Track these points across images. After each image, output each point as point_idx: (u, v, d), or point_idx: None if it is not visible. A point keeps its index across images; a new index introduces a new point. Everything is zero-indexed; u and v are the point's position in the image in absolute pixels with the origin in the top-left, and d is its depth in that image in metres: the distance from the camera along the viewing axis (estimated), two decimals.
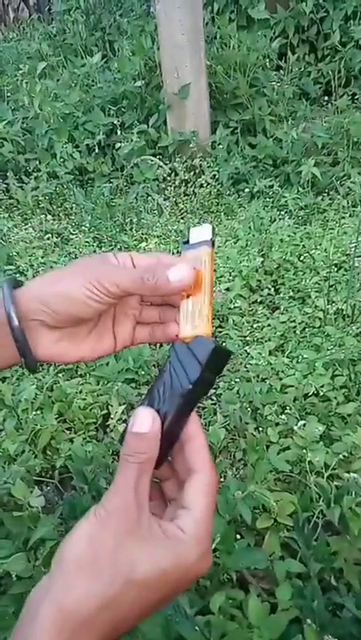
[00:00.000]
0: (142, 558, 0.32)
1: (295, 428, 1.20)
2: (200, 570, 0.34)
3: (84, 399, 1.44)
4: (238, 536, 1.05)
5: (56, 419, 1.36)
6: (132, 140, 2.82)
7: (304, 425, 1.20)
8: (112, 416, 1.34)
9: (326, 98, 3.28)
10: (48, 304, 0.39)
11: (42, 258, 2.28)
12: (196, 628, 0.83)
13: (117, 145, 2.89)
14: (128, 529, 0.33)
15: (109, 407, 1.38)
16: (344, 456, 1.17)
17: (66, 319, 0.40)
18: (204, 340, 0.37)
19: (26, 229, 2.53)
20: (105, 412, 1.42)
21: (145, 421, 0.36)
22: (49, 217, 2.65)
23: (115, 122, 2.97)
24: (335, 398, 1.37)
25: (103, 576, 0.31)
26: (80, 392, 1.47)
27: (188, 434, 0.38)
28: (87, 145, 3.00)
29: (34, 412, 1.36)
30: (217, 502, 0.38)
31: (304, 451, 1.15)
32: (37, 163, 3.00)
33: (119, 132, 2.95)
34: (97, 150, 3.00)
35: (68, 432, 1.38)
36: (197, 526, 0.34)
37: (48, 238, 2.45)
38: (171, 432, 0.37)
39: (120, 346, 0.44)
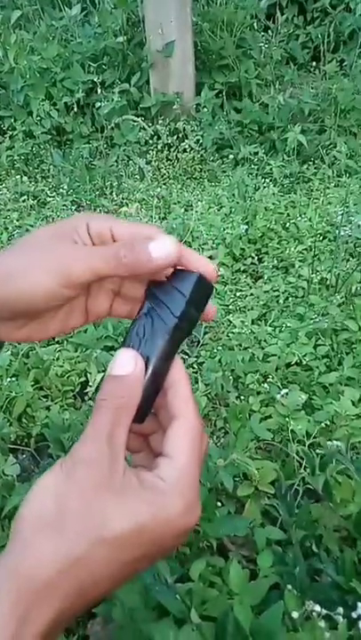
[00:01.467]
0: (115, 513, 0.27)
1: (278, 396, 1.18)
2: (187, 523, 0.29)
3: (62, 366, 1.39)
4: (219, 504, 1.04)
5: (32, 386, 1.32)
6: (112, 100, 2.70)
7: (286, 394, 1.19)
8: (90, 384, 1.30)
9: (314, 63, 3.18)
10: (2, 306, 0.33)
11: (17, 221, 2.18)
12: (177, 596, 0.81)
13: (97, 104, 2.76)
14: (98, 481, 0.27)
15: (88, 375, 1.34)
16: (326, 425, 1.16)
17: (26, 314, 0.34)
18: (186, 272, 0.33)
19: (0, 191, 2.41)
20: (83, 379, 1.38)
21: (126, 363, 0.31)
22: (24, 178, 2.53)
23: (95, 79, 2.83)
24: (317, 367, 1.36)
25: (67, 534, 0.26)
26: (57, 359, 1.42)
27: (170, 379, 0.33)
28: (65, 103, 2.85)
29: (8, 379, 1.30)
30: (205, 448, 0.33)
31: (286, 419, 1.14)
32: (12, 121, 2.84)
33: (99, 91, 2.81)
34: (76, 109, 2.86)
35: (44, 400, 1.33)
36: (180, 474, 0.29)
37: (24, 201, 2.34)
38: (154, 378, 0.32)
39: (93, 319, 0.38)
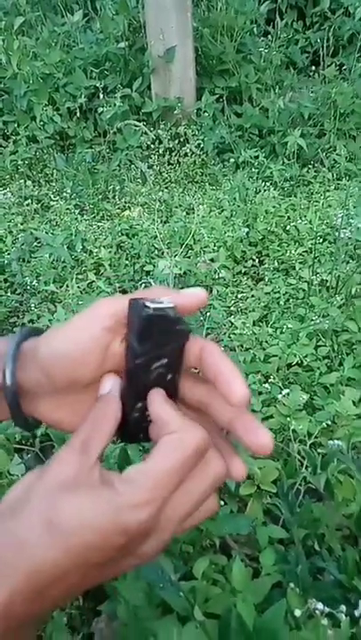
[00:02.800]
0: (67, 506, 0.28)
1: (279, 396, 1.19)
2: (127, 521, 0.28)
3: None
4: (222, 502, 1.05)
5: None
6: (114, 105, 2.72)
7: (288, 394, 1.20)
8: None
9: (313, 67, 3.21)
10: (44, 368, 0.33)
11: (21, 224, 2.20)
12: (181, 593, 0.82)
13: (100, 109, 2.78)
14: (62, 478, 0.29)
15: None
16: (327, 424, 1.17)
17: (70, 379, 0.34)
18: (139, 303, 0.32)
19: (4, 195, 2.44)
20: None
21: (104, 385, 0.35)
22: (28, 182, 2.55)
23: (97, 85, 2.86)
24: (318, 368, 1.37)
25: (22, 519, 0.28)
26: None
27: (150, 403, 0.35)
28: (68, 108, 2.88)
29: None
30: (190, 461, 0.31)
31: (288, 419, 1.15)
32: (16, 125, 2.87)
33: (101, 96, 2.84)
34: (78, 114, 2.89)
35: None
36: (139, 476, 0.29)
37: (27, 204, 2.36)
38: (139, 403, 0.35)
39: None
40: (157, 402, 0.34)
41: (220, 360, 0.35)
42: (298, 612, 0.81)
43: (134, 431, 0.35)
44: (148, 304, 0.32)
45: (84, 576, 0.29)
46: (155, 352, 0.33)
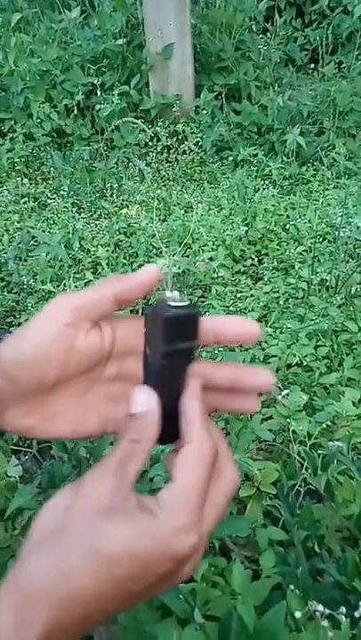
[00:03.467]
0: (107, 533, 0.28)
1: (279, 397, 1.19)
2: (177, 548, 0.28)
3: None
4: None
5: None
6: (112, 102, 2.70)
7: (287, 394, 1.19)
8: None
9: (312, 65, 3.20)
10: (8, 376, 0.32)
11: (18, 223, 2.19)
12: (180, 596, 0.82)
13: (97, 106, 2.76)
14: (99, 505, 0.29)
15: None
16: (327, 425, 1.17)
17: (35, 383, 0.33)
18: (162, 306, 0.32)
19: (1, 193, 2.42)
20: None
21: (140, 402, 0.32)
22: (25, 180, 2.53)
23: (94, 82, 2.84)
24: (318, 368, 1.36)
25: (61, 549, 0.28)
26: None
27: (182, 405, 0.33)
28: (65, 105, 2.86)
29: None
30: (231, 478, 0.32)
31: (287, 420, 1.15)
32: (13, 123, 2.85)
33: (99, 93, 2.82)
34: (76, 111, 2.87)
35: None
36: (175, 498, 0.29)
37: (24, 203, 2.35)
38: (167, 407, 0.33)
39: (112, 428, 0.36)
40: (190, 395, 0.33)
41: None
42: (298, 614, 0.80)
43: (166, 438, 0.34)
44: (169, 303, 0.32)
45: (121, 602, 0.28)
46: (179, 350, 0.33)
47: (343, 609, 0.80)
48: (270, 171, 2.42)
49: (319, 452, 1.09)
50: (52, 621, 0.27)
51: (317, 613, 0.79)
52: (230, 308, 1.69)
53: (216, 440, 0.32)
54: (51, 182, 2.60)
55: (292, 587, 0.85)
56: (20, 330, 0.34)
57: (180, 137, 2.75)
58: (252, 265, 1.89)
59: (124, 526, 0.28)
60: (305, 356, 1.37)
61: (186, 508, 0.29)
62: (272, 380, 0.34)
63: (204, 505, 0.30)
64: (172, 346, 0.32)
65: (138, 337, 0.34)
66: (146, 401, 0.32)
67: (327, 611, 0.79)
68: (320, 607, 0.80)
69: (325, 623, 0.78)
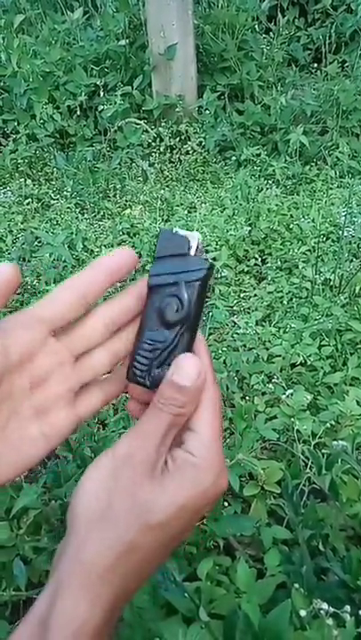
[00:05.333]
0: (157, 500, 0.30)
1: (283, 396, 1.19)
2: (217, 491, 0.32)
3: None
4: (226, 503, 1.05)
5: None
6: (115, 103, 2.71)
7: (291, 394, 1.19)
8: None
9: (316, 64, 3.19)
10: None
11: (21, 224, 2.19)
12: (185, 594, 0.82)
13: (100, 107, 2.77)
14: (141, 476, 0.31)
15: None
16: (331, 424, 1.17)
17: None
18: (194, 258, 0.33)
19: (4, 194, 2.43)
20: None
21: (189, 374, 0.32)
22: (28, 181, 2.54)
23: (97, 82, 2.84)
24: (322, 368, 1.36)
25: (118, 525, 0.30)
26: None
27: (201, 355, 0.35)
28: (68, 106, 2.87)
29: None
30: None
31: (291, 419, 1.15)
32: (16, 124, 2.86)
33: (102, 94, 2.83)
34: (79, 112, 2.88)
35: None
36: (207, 447, 0.32)
37: (28, 203, 2.35)
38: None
39: (56, 441, 0.34)
40: (204, 352, 0.34)
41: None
42: (303, 613, 0.80)
43: (141, 373, 0.34)
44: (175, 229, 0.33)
45: (171, 550, 0.32)
46: (170, 275, 0.33)
47: (348, 607, 0.80)
48: (273, 170, 2.41)
49: (323, 451, 1.09)
50: (119, 591, 0.29)
51: (322, 612, 0.80)
52: (234, 308, 1.69)
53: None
54: (54, 183, 2.61)
55: (296, 585, 0.85)
56: None
57: (182, 137, 2.75)
58: (255, 265, 1.89)
59: (169, 491, 0.30)
60: (309, 356, 1.37)
61: (217, 455, 0.32)
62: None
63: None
64: (161, 265, 0.33)
65: (27, 334, 0.32)
66: (193, 373, 0.32)
67: (332, 609, 0.80)
68: (325, 605, 0.80)
69: (330, 621, 0.78)
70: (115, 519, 0.30)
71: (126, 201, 2.40)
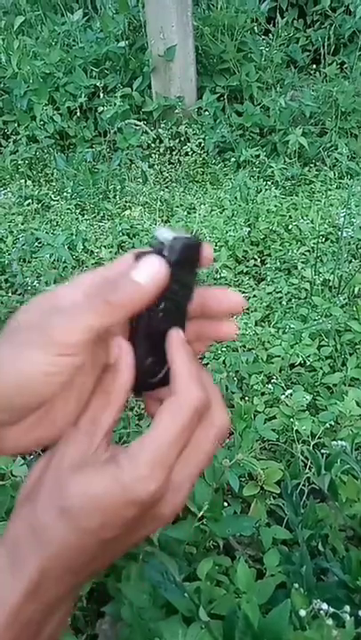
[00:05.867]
0: (74, 490, 0.28)
1: (282, 397, 1.19)
2: (136, 494, 0.28)
3: None
4: (225, 504, 1.05)
5: None
6: (115, 104, 2.71)
7: (291, 394, 1.20)
8: None
9: (314, 66, 3.20)
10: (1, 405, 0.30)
11: (22, 225, 2.20)
12: (185, 594, 0.82)
13: (100, 109, 2.77)
14: (70, 459, 0.30)
15: None
16: (330, 425, 1.17)
17: (30, 405, 0.30)
18: (180, 239, 0.31)
19: (5, 195, 2.43)
20: None
21: (111, 352, 0.31)
22: (28, 182, 2.55)
23: (97, 84, 2.85)
24: (321, 368, 1.36)
25: (37, 505, 0.29)
26: None
27: (168, 356, 0.32)
28: (68, 108, 2.88)
29: None
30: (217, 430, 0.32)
31: (291, 420, 1.15)
32: (16, 125, 2.86)
33: (102, 95, 2.83)
34: (78, 114, 2.88)
35: None
36: (142, 447, 0.29)
37: (28, 204, 2.36)
38: (147, 345, 0.33)
39: None
40: (174, 345, 0.32)
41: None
42: (302, 613, 0.81)
43: (145, 381, 0.33)
44: (174, 235, 0.30)
45: (103, 551, 0.30)
46: (184, 282, 0.32)
47: (347, 607, 0.81)
48: (273, 171, 2.42)
49: (323, 451, 1.09)
50: (41, 569, 0.28)
51: (322, 612, 0.80)
52: None
53: (207, 388, 0.31)
54: (54, 184, 2.61)
55: (296, 585, 0.85)
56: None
57: (182, 138, 2.75)
58: (254, 266, 1.89)
59: (90, 478, 0.28)
60: (308, 356, 1.37)
61: (151, 457, 0.28)
62: (241, 300, 0.33)
63: (180, 454, 0.30)
64: (183, 273, 0.31)
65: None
66: (117, 350, 0.31)
67: (331, 609, 0.80)
68: (324, 606, 0.80)
69: (330, 622, 0.78)
70: (36, 501, 0.29)
71: (126, 202, 2.41)
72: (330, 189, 2.34)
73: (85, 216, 2.30)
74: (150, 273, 0.29)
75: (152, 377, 0.34)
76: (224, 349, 1.46)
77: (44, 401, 0.30)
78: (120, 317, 0.29)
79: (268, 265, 1.86)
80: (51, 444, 0.32)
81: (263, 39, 3.10)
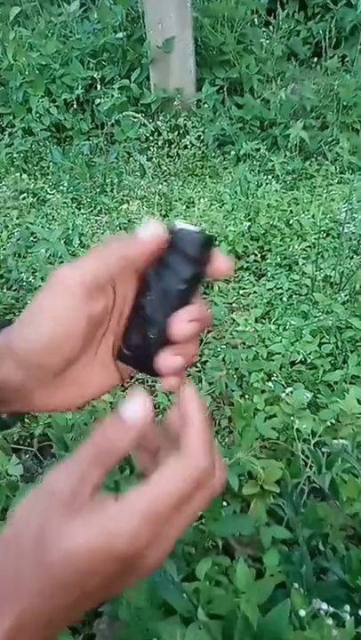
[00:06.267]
0: (57, 537, 0.27)
1: (283, 395, 1.18)
2: (122, 551, 0.27)
3: None
4: (225, 503, 1.04)
5: None
6: (112, 96, 2.68)
7: (291, 392, 1.18)
8: None
9: (315, 59, 3.16)
10: (29, 359, 0.32)
11: (17, 219, 2.17)
12: (184, 594, 0.81)
13: (97, 101, 2.74)
14: (56, 508, 0.28)
15: None
16: (331, 423, 1.16)
17: (56, 359, 0.33)
18: (186, 231, 0.33)
19: (0, 188, 2.40)
20: None
21: (134, 411, 0.31)
22: (24, 176, 2.51)
23: (94, 76, 2.81)
24: (322, 366, 1.35)
25: (20, 551, 0.28)
26: None
27: (186, 412, 0.32)
28: (65, 100, 2.84)
29: None
30: (203, 500, 0.31)
31: (291, 418, 1.14)
32: (12, 118, 2.83)
33: (99, 87, 2.80)
34: (75, 106, 2.85)
35: None
36: (138, 500, 0.28)
37: (23, 198, 2.33)
38: (161, 339, 0.34)
39: (127, 375, 0.38)
40: (192, 402, 0.32)
41: None
42: (302, 613, 0.80)
43: (139, 357, 0.35)
44: (188, 228, 0.33)
45: (81, 603, 0.29)
46: (197, 274, 0.34)
47: (347, 607, 0.80)
48: (273, 165, 2.40)
49: (323, 450, 1.08)
50: (17, 618, 0.27)
51: (321, 612, 0.79)
52: (233, 305, 1.67)
53: (213, 455, 0.31)
54: (50, 178, 2.58)
55: (296, 585, 0.84)
56: (28, 315, 0.33)
57: (181, 131, 2.72)
58: (255, 261, 1.87)
59: (75, 532, 0.27)
60: (309, 354, 1.36)
61: (145, 514, 0.28)
62: (228, 262, 0.35)
63: (173, 515, 0.29)
64: (196, 268, 0.33)
65: (131, 281, 0.35)
66: (139, 410, 0.31)
67: (331, 609, 0.79)
68: (324, 605, 0.79)
69: (330, 621, 0.77)
70: (19, 546, 0.28)
71: (123, 196, 2.38)
72: (331, 184, 2.31)
73: (82, 210, 2.28)
74: (151, 232, 0.33)
75: (146, 344, 0.35)
76: (224, 346, 1.44)
77: (75, 356, 0.33)
78: (125, 266, 0.33)
79: (268, 260, 1.85)
80: (72, 408, 0.35)
81: (264, 31, 3.06)
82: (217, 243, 1.91)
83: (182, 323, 0.34)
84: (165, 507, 0.28)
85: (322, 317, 1.45)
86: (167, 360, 0.34)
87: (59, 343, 0.32)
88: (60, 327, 0.32)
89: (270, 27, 3.13)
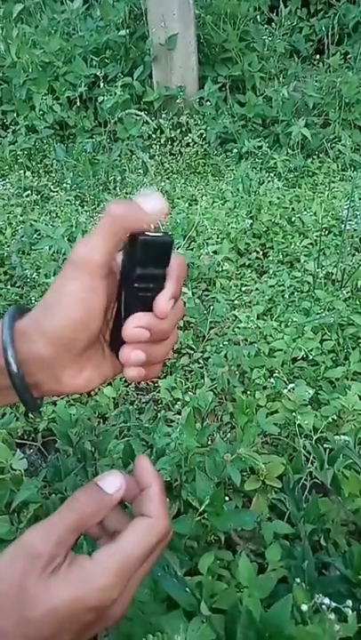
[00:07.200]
0: (38, 596, 0.31)
1: (284, 391, 1.18)
2: (99, 602, 0.31)
3: None
4: (227, 498, 1.04)
5: None
6: (115, 94, 2.68)
7: (293, 388, 1.18)
8: None
9: (318, 56, 3.16)
10: (53, 339, 0.35)
11: (21, 216, 2.18)
12: (187, 589, 0.81)
13: (100, 98, 2.74)
14: (37, 568, 0.32)
15: None
16: (333, 419, 1.16)
17: (79, 335, 0.36)
18: (135, 237, 0.36)
19: (3, 186, 2.41)
20: None
21: (111, 486, 0.36)
22: (28, 173, 2.52)
23: (97, 73, 2.81)
24: (324, 362, 1.35)
25: (2, 608, 0.31)
26: None
27: (145, 480, 0.37)
28: (68, 97, 2.84)
29: None
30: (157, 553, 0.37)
31: (293, 414, 1.14)
32: (15, 115, 2.83)
33: (102, 85, 2.80)
34: (78, 103, 2.85)
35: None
36: (109, 556, 0.33)
37: (27, 195, 2.33)
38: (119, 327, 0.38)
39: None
40: (152, 472, 0.37)
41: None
42: (304, 607, 0.80)
43: (116, 345, 0.38)
44: (147, 234, 0.36)
45: None
46: (151, 275, 0.37)
47: (349, 602, 0.80)
48: (275, 163, 2.39)
49: (325, 446, 1.08)
50: None
51: (324, 606, 0.79)
52: (235, 302, 1.68)
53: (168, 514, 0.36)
54: (53, 175, 2.59)
55: (298, 580, 0.84)
56: (52, 298, 0.35)
57: (183, 129, 2.72)
58: (256, 258, 1.87)
59: (51, 589, 0.31)
60: (310, 350, 1.36)
61: (119, 567, 0.32)
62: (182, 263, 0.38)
63: (139, 568, 0.34)
64: (145, 269, 0.36)
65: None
66: (117, 486, 0.36)
67: (333, 604, 0.79)
68: (326, 600, 0.80)
69: (332, 616, 0.78)
70: (1, 604, 0.31)
71: (126, 193, 2.39)
72: (333, 181, 2.31)
73: (85, 207, 2.28)
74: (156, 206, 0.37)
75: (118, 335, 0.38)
76: (226, 343, 1.45)
77: (92, 337, 0.36)
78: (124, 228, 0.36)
79: (270, 258, 1.85)
80: (95, 387, 0.39)
81: (266, 28, 3.05)
82: (219, 240, 1.92)
83: (128, 329, 0.36)
84: (134, 562, 0.33)
85: (324, 314, 1.45)
86: (125, 353, 0.37)
87: (86, 322, 0.35)
88: (84, 309, 0.35)
89: (273, 24, 3.12)
